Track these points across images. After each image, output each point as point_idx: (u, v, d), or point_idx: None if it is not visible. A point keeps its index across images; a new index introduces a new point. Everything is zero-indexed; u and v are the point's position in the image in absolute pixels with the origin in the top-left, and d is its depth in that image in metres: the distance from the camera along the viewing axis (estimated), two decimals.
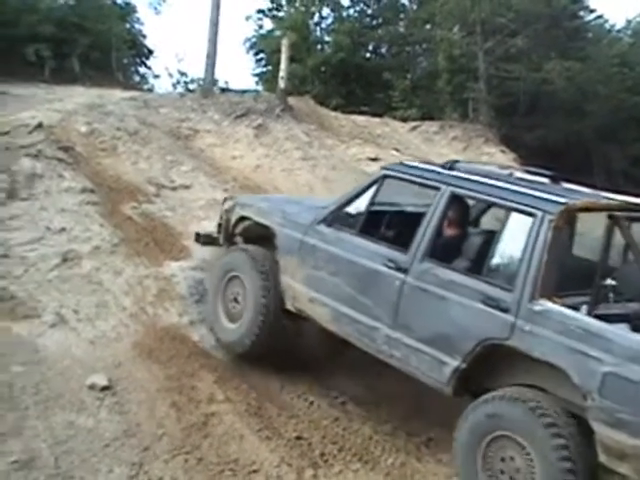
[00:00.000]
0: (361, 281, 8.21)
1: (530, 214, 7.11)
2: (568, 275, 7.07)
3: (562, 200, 7.03)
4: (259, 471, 7.60)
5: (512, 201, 7.34)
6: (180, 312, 10.01)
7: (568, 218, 7.19)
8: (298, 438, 8.14)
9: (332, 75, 32.44)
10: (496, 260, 7.40)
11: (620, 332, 6.37)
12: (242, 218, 10.00)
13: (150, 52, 36.50)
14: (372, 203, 8.45)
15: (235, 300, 9.54)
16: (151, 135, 15.16)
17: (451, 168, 8.07)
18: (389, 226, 8.77)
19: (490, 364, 7.21)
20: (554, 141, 26.67)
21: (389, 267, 7.90)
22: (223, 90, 25.32)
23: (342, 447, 8.14)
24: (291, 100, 19.80)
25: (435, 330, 7.49)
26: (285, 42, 20.69)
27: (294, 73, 27.57)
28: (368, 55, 35.39)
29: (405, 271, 7.76)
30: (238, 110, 18.13)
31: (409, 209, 9.08)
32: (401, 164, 8.80)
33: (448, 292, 7.41)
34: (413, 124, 23.08)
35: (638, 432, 6.02)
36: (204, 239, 10.66)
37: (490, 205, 8.05)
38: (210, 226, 11.02)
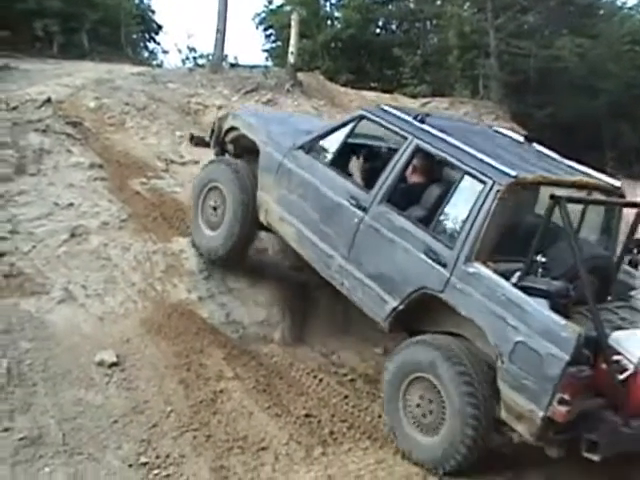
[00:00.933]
0: (325, 210, 8.87)
1: (481, 181, 7.61)
2: (516, 242, 7.61)
3: (513, 173, 7.48)
4: (268, 448, 7.60)
5: (468, 165, 7.80)
6: (189, 288, 9.98)
7: (516, 190, 7.59)
8: (307, 416, 8.14)
9: (342, 51, 32.28)
10: (444, 217, 7.95)
11: (537, 307, 6.98)
12: (233, 128, 10.60)
13: (159, 27, 36.43)
14: (346, 140, 9.03)
15: (214, 209, 10.21)
16: (160, 110, 15.10)
17: (422, 121, 8.45)
18: (358, 164, 9.39)
19: (425, 309, 7.91)
20: (565, 118, 26.48)
21: (351, 203, 8.55)
22: (232, 65, 25.17)
23: (351, 425, 8.14)
24: (301, 76, 19.70)
25: (381, 270, 8.21)
26: (295, 17, 20.59)
27: (304, 49, 27.48)
28: (378, 31, 35.15)
29: (364, 210, 8.42)
30: (248, 85, 18.06)
31: (382, 151, 9.48)
32: (379, 108, 9.13)
33: (398, 237, 8.07)
34: (423, 100, 22.93)
35: (536, 398, 6.80)
36: (196, 140, 11.51)
37: (447, 164, 8.30)
38: None
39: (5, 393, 7.72)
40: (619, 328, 7.40)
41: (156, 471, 7.10)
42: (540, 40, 27.42)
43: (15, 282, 9.40)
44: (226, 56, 25.27)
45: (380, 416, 8.31)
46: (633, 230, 8.38)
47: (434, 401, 7.49)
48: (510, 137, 9.40)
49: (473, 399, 7.20)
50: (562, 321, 6.80)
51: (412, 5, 34.10)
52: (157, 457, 7.25)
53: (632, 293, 8.31)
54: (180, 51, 28.99)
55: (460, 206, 7.82)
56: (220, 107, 16.64)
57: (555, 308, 7.00)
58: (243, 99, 17.25)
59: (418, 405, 7.65)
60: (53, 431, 7.36)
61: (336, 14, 34.47)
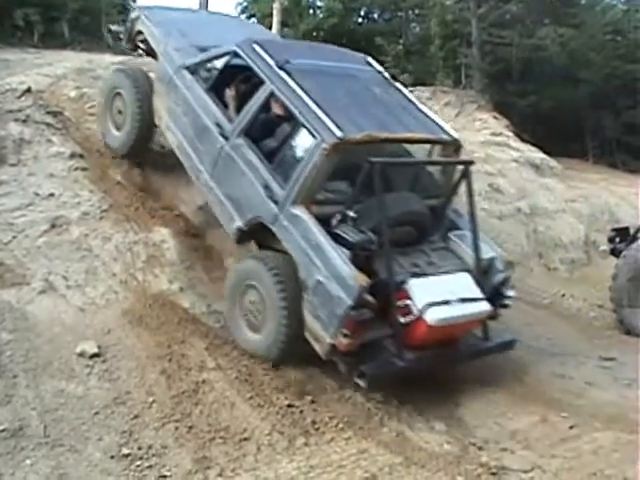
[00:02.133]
0: (198, 130, 10.15)
1: (313, 136, 8.72)
2: (345, 189, 9.14)
3: (339, 133, 8.52)
4: (250, 439, 7.61)
5: (305, 118, 8.88)
6: (170, 279, 9.98)
7: (342, 148, 8.59)
8: (289, 406, 8.14)
9: (324, 40, 32.03)
10: (284, 158, 9.15)
11: (336, 255, 8.30)
12: (141, 32, 12.18)
13: None
14: (222, 70, 10.13)
15: (119, 112, 11.75)
16: None
17: (281, 67, 9.42)
18: (233, 93, 10.23)
19: (266, 229, 9.10)
20: (547, 108, 26.49)
21: (217, 130, 9.81)
22: None
23: (334, 415, 8.14)
24: None
25: (233, 193, 9.57)
26: (277, 6, 20.59)
27: (286, 37, 27.39)
28: (360, 20, 35.15)
29: (226, 138, 9.68)
30: None
31: (254, 82, 9.98)
32: (250, 46, 9.86)
33: (247, 169, 9.33)
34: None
35: (326, 328, 8.29)
36: (113, 35, 12.98)
37: (290, 114, 9.20)
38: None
39: None
40: (423, 274, 8.91)
41: (138, 462, 7.10)
42: (522, 29, 27.42)
43: None
44: None
45: (362, 405, 8.33)
46: (457, 184, 9.75)
47: (259, 305, 8.93)
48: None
49: (285, 303, 8.60)
50: (352, 272, 8.14)
51: None
52: (139, 448, 7.25)
53: (453, 233, 9.79)
54: None
55: (297, 152, 9.08)
56: None
57: (357, 257, 8.38)
58: None
59: (249, 308, 9.06)
60: (34, 423, 7.35)
61: (318, 3, 34.40)
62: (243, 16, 35.90)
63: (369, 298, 8.25)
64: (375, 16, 35.64)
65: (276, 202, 8.89)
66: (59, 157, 11.64)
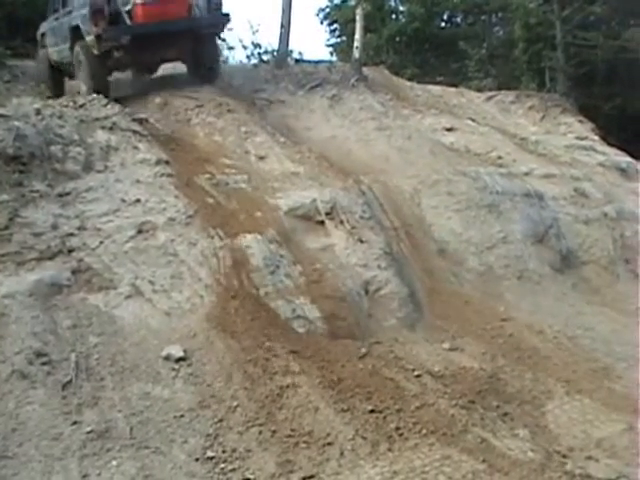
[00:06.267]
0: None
1: None
2: None
3: None
4: (333, 444, 7.61)
5: None
6: (255, 284, 9.97)
7: None
8: (373, 411, 8.13)
9: (407, 45, 32.14)
10: None
11: None
12: None
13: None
14: None
15: None
16: (225, 106, 15.11)
17: None
18: None
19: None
20: (632, 111, 26.00)
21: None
22: (297, 61, 25.08)
23: (417, 421, 8.10)
24: (366, 70, 19.61)
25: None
26: (359, 12, 20.49)
27: (369, 43, 27.36)
28: (443, 24, 34.99)
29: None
30: (312, 81, 18.01)
31: None
32: None
33: None
34: (489, 94, 22.67)
35: (88, 31, 14.38)
36: None
37: None
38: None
39: (74, 387, 7.86)
40: None
41: (222, 465, 7.17)
42: (607, 31, 26.95)
43: (83, 277, 9.51)
44: (291, 51, 25.24)
45: (446, 412, 8.27)
46: None
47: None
48: None
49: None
50: None
51: None
52: (223, 451, 7.32)
53: None
54: (245, 47, 28.81)
55: None
56: (284, 102, 16.69)
57: None
58: (308, 94, 17.22)
59: None
60: (120, 425, 7.47)
61: (401, 8, 34.34)
62: (325, 22, 36.04)
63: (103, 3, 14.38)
64: (458, 20, 35.43)
65: None
66: (145, 164, 11.78)
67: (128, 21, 14.47)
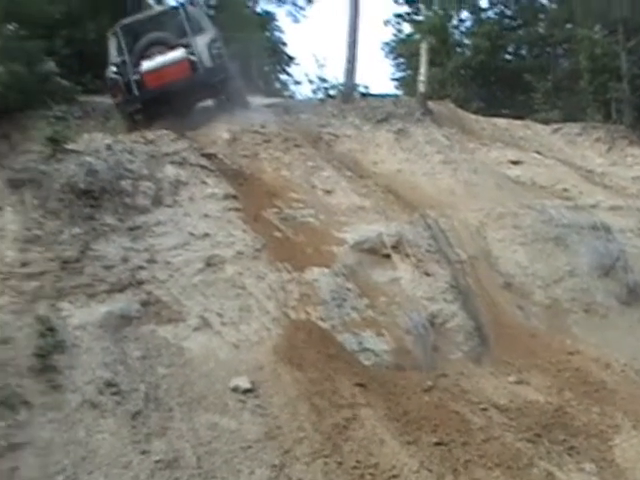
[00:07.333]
0: None
1: None
2: None
3: None
4: (399, 476, 7.62)
5: None
6: (322, 316, 10.03)
7: None
8: (438, 444, 8.11)
9: (472, 78, 32.09)
10: None
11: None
12: None
13: (290, 59, 36.87)
14: None
15: None
16: (292, 141, 15.27)
17: None
18: None
19: None
20: None
21: None
22: (363, 95, 25.22)
23: (483, 454, 8.07)
24: (431, 104, 19.65)
25: None
26: (424, 46, 20.59)
27: (434, 76, 27.35)
28: (508, 57, 34.89)
29: None
30: (378, 115, 18.05)
31: None
32: None
33: None
34: (555, 126, 22.57)
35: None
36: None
37: None
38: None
39: (143, 417, 7.96)
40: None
41: None
42: None
43: (153, 310, 9.65)
44: (357, 85, 25.38)
45: (512, 445, 8.23)
46: None
47: None
48: None
49: None
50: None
51: (542, 30, 33.69)
52: None
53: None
54: (311, 81, 29.07)
55: None
56: (350, 136, 16.77)
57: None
58: (374, 129, 17.29)
59: None
60: (188, 455, 7.55)
61: (465, 41, 34.33)
62: (390, 56, 36.21)
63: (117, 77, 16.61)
64: (523, 52, 35.31)
65: None
66: (213, 198, 11.94)
67: (137, 90, 16.53)
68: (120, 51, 16.98)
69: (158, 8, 22.86)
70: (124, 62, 16.82)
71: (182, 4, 18.32)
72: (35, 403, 8.11)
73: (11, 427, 7.82)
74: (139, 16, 18.64)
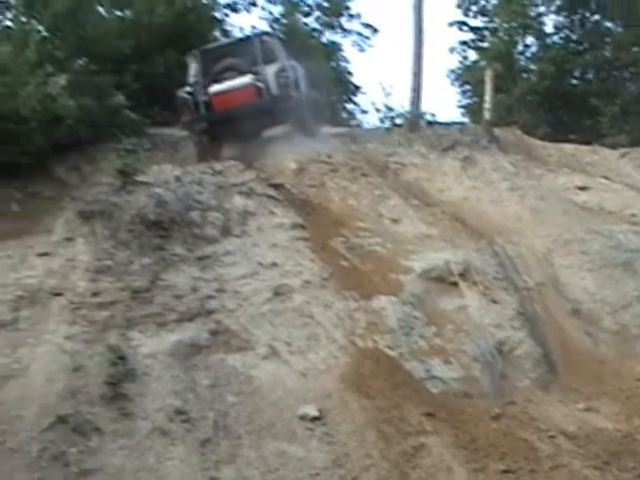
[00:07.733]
0: None
1: None
2: None
3: None
4: None
5: None
6: (390, 344, 10.05)
7: None
8: (506, 471, 8.09)
9: (539, 103, 31.93)
10: None
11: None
12: None
13: (357, 88, 36.98)
14: None
15: None
16: (359, 170, 15.36)
17: None
18: None
19: None
20: None
21: None
22: (429, 123, 25.25)
23: None
24: (497, 131, 19.60)
25: None
26: (489, 72, 20.56)
27: (500, 103, 27.29)
28: (574, 81, 34.66)
29: None
30: (444, 143, 18.04)
31: None
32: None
33: None
34: (623, 151, 22.35)
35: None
36: None
37: None
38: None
39: (212, 445, 8.08)
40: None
41: None
42: None
43: (222, 338, 9.79)
44: (423, 114, 25.42)
45: (580, 472, 8.18)
46: None
47: None
48: None
49: None
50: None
51: (608, 53, 33.43)
52: None
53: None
54: (378, 110, 29.14)
55: None
56: (417, 165, 16.80)
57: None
58: (440, 157, 17.29)
59: None
60: None
61: (531, 66, 34.17)
62: (456, 83, 36.19)
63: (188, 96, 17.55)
64: (590, 77, 35.05)
65: None
66: (281, 228, 12.07)
67: (204, 110, 17.54)
68: (196, 73, 17.91)
69: (237, 37, 24.60)
70: (197, 83, 17.73)
71: (257, 34, 19.60)
72: (106, 430, 8.28)
73: (83, 453, 7.99)
74: (219, 42, 20.66)
